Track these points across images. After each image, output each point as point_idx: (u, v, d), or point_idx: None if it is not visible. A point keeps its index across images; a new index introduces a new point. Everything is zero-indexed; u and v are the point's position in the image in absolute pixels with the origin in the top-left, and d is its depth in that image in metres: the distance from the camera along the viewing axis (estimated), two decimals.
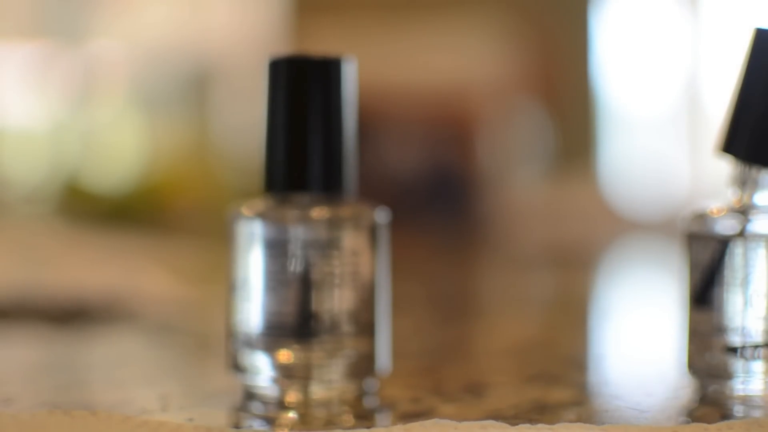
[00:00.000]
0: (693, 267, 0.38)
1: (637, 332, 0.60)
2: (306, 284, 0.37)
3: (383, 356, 0.39)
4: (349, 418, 0.35)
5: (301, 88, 0.38)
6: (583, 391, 0.42)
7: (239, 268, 0.38)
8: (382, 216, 0.39)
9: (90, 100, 2.32)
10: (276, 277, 0.37)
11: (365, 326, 0.38)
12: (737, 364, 0.37)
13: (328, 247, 0.38)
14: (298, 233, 0.37)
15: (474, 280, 0.97)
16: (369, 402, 0.38)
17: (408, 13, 1.95)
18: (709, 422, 0.33)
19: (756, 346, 0.37)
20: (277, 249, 0.37)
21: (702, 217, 0.38)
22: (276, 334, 0.37)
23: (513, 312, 0.69)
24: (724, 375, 0.37)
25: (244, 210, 0.38)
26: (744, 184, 0.38)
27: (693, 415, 0.36)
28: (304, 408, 0.37)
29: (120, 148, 2.02)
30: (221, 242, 0.42)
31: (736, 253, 0.37)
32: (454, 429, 0.32)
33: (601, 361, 0.51)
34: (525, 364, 0.48)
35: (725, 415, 0.36)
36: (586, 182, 1.85)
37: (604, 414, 0.37)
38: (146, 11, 2.33)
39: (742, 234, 0.37)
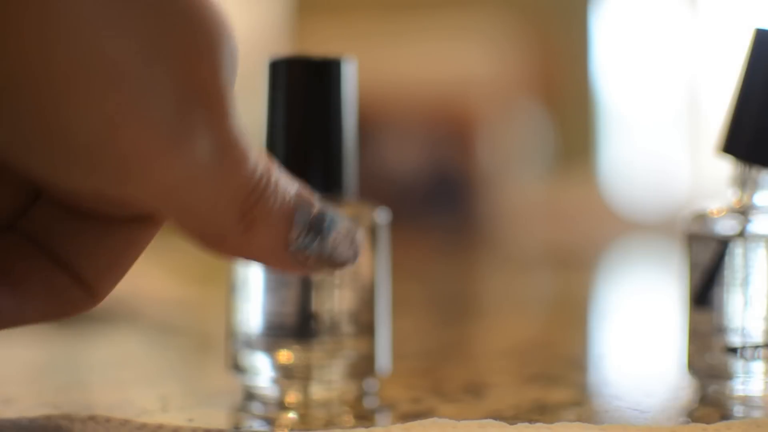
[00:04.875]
0: (693, 267, 0.38)
1: (637, 332, 0.60)
2: (306, 285, 0.37)
3: (383, 357, 0.39)
4: (349, 419, 0.35)
5: (301, 89, 0.38)
6: (583, 391, 0.42)
7: (239, 269, 0.38)
8: (382, 216, 0.39)
9: None
10: (276, 278, 0.37)
11: (365, 327, 0.38)
12: (737, 365, 0.37)
13: None
14: None
15: (474, 281, 0.98)
16: (369, 402, 0.38)
17: (408, 13, 1.95)
18: (708, 422, 0.33)
19: (756, 347, 0.37)
20: None
21: (702, 218, 0.38)
22: (276, 335, 0.37)
23: (513, 312, 0.69)
24: (724, 375, 0.37)
25: None
26: (744, 184, 0.38)
27: (693, 415, 0.36)
28: (304, 408, 0.37)
29: None
30: None
31: (736, 253, 0.37)
32: (452, 428, 0.32)
33: (601, 361, 0.51)
34: (525, 365, 0.48)
35: (725, 415, 0.36)
36: (586, 182, 1.85)
37: (604, 414, 0.37)
38: None
39: (742, 234, 0.37)
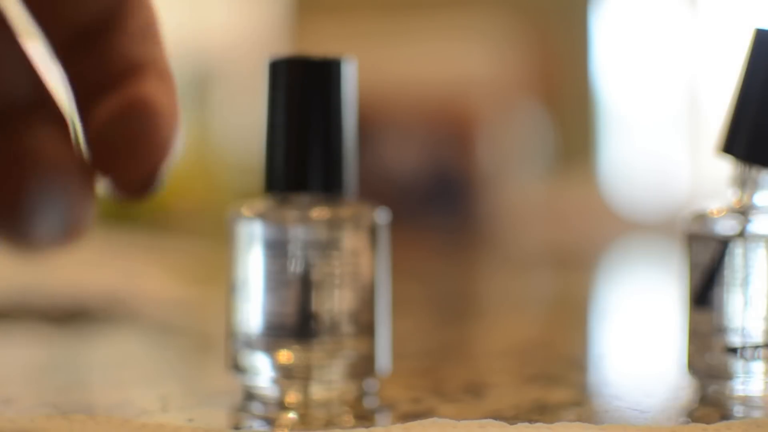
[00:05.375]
0: (693, 267, 0.38)
1: (637, 332, 0.60)
2: (306, 285, 0.37)
3: (383, 357, 0.39)
4: (349, 419, 0.35)
5: (301, 89, 0.38)
6: (583, 391, 0.42)
7: (239, 269, 0.38)
8: (382, 216, 0.39)
9: None
10: (276, 278, 0.37)
11: (365, 327, 0.38)
12: (737, 365, 0.37)
13: (328, 247, 0.38)
14: (298, 234, 0.37)
15: (474, 280, 0.98)
16: (369, 402, 0.38)
17: (408, 13, 1.95)
18: (708, 423, 0.33)
19: (756, 347, 0.37)
20: (277, 249, 0.37)
21: (702, 218, 0.38)
22: (276, 335, 0.37)
23: (513, 312, 0.69)
24: (724, 375, 0.37)
25: (244, 210, 0.39)
26: (744, 184, 0.38)
27: (693, 415, 0.36)
28: (304, 408, 0.37)
29: None
30: (221, 242, 0.42)
31: (736, 253, 0.37)
32: (453, 428, 0.32)
33: (601, 361, 0.51)
34: (525, 365, 0.48)
35: (725, 415, 0.36)
36: (586, 182, 1.85)
37: (604, 414, 0.37)
38: None
39: (742, 234, 0.37)
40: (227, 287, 0.39)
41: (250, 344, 0.38)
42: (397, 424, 0.33)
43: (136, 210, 1.63)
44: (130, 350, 0.53)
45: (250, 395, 0.38)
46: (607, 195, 1.83)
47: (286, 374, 0.38)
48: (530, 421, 0.33)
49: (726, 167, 0.38)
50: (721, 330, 0.37)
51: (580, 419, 0.34)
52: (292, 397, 0.38)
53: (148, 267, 0.77)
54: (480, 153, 1.73)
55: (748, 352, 0.37)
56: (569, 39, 2.03)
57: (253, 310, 0.38)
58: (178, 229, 1.41)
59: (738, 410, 0.36)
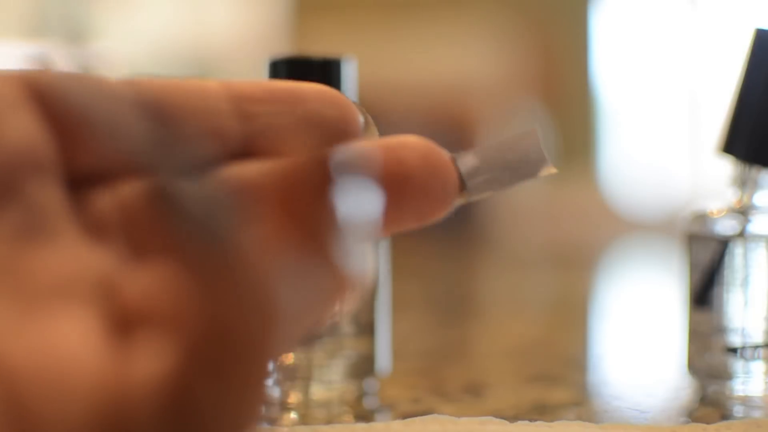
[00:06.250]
0: (693, 267, 0.38)
1: (637, 332, 0.60)
2: None
3: (383, 357, 0.39)
4: (349, 419, 0.35)
5: None
6: (583, 391, 0.42)
7: None
8: None
9: None
10: None
11: (365, 327, 0.38)
12: (737, 365, 0.37)
13: None
14: None
15: (474, 280, 0.98)
16: (369, 402, 0.38)
17: (408, 13, 1.95)
18: (708, 422, 0.33)
19: (756, 347, 0.37)
20: None
21: (702, 218, 0.38)
22: None
23: (513, 312, 0.69)
24: (724, 375, 0.37)
25: None
26: (744, 184, 0.38)
27: (693, 415, 0.36)
28: (305, 408, 0.37)
29: None
30: None
31: (736, 253, 0.37)
32: (453, 424, 0.32)
33: (601, 361, 0.51)
34: (525, 365, 0.48)
35: (725, 415, 0.36)
36: (586, 182, 1.85)
37: (603, 414, 0.37)
38: (146, 11, 2.33)
39: (742, 234, 0.37)
40: None
41: None
42: (397, 420, 0.33)
43: None
44: None
45: None
46: (607, 195, 1.83)
47: (286, 374, 0.38)
48: (530, 420, 0.33)
49: (726, 167, 0.38)
50: (721, 330, 0.37)
51: (580, 419, 0.34)
52: (293, 397, 0.38)
53: None
54: None
55: (748, 352, 0.37)
56: (569, 39, 2.03)
57: None
58: None
59: (738, 410, 0.36)
